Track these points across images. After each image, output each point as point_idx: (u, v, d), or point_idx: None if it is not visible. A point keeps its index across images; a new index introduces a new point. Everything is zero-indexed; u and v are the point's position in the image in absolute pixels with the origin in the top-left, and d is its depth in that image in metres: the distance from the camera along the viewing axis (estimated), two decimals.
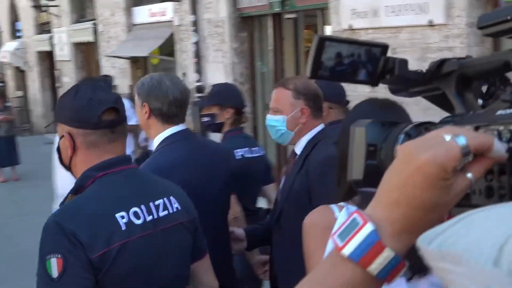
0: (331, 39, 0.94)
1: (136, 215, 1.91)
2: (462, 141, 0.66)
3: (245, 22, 9.18)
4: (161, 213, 1.99)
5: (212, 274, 2.31)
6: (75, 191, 1.94)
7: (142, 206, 1.94)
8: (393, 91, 0.99)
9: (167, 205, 2.02)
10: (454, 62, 0.89)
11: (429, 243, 0.59)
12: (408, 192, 0.66)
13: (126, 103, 7.06)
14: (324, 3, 7.14)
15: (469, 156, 0.66)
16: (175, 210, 2.04)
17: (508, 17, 0.78)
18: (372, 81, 0.95)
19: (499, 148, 0.67)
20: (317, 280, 0.73)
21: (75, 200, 1.91)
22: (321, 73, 0.94)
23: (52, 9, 16.91)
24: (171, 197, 2.05)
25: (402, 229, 0.68)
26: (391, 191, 0.68)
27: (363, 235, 0.68)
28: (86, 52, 16.48)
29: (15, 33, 22.21)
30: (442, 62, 0.90)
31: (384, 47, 0.95)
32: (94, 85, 1.99)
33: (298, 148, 2.77)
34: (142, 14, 12.26)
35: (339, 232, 0.71)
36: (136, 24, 12.62)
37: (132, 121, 6.23)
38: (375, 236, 0.68)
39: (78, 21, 15.96)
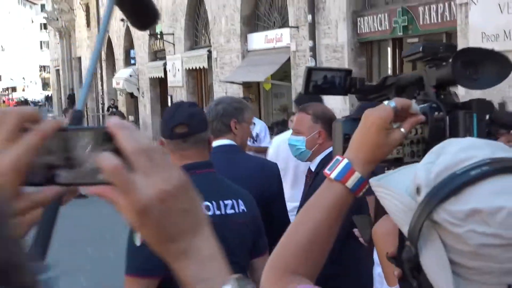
0: (316, 68, 1.44)
1: (207, 208, 2.32)
2: (392, 103, 1.16)
3: (364, 47, 9.29)
4: (229, 211, 2.41)
5: None
6: None
7: (213, 202, 2.37)
8: (358, 99, 1.50)
9: (235, 206, 2.43)
10: (392, 77, 1.37)
11: (377, 180, 1.03)
12: (366, 138, 1.16)
13: (260, 125, 7.27)
14: (452, 27, 7.13)
15: (398, 112, 1.16)
16: (241, 211, 2.44)
17: (419, 50, 1.28)
18: (343, 93, 1.41)
19: (415, 107, 1.18)
20: (314, 201, 1.22)
21: None
22: (310, 89, 1.38)
23: (167, 37, 17.68)
24: (239, 200, 2.46)
25: (364, 161, 1.17)
26: (357, 140, 1.18)
27: (342, 165, 1.17)
28: (198, 78, 17.08)
29: (129, 61, 23.34)
30: (385, 78, 1.38)
31: (349, 71, 1.40)
32: (178, 104, 2.57)
33: (313, 166, 3.22)
34: (258, 40, 12.62)
35: (328, 168, 1.19)
36: (250, 50, 12.99)
37: (264, 143, 6.50)
38: (349, 165, 1.17)
39: (191, 48, 16.59)
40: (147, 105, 20.65)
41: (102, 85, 27.40)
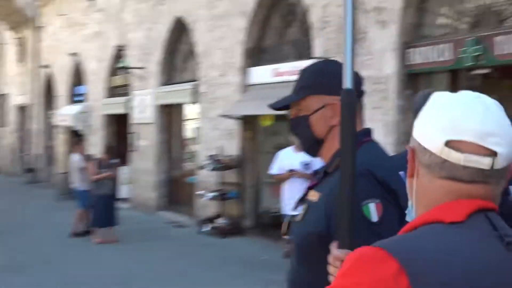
0: None
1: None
2: None
3: (411, 79, 9.02)
4: None
5: None
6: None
7: None
8: None
9: None
10: None
11: None
12: None
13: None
14: None
15: None
16: None
17: None
18: None
19: None
20: None
21: (374, 153, 2.15)
22: None
23: (135, 72, 16.82)
24: None
25: None
26: None
27: None
28: (170, 114, 16.28)
29: (72, 98, 22.11)
30: None
31: None
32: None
33: None
34: (262, 74, 12.12)
35: None
36: (253, 84, 12.46)
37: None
38: None
39: (166, 83, 15.81)
40: (99, 144, 19.29)
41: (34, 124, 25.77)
